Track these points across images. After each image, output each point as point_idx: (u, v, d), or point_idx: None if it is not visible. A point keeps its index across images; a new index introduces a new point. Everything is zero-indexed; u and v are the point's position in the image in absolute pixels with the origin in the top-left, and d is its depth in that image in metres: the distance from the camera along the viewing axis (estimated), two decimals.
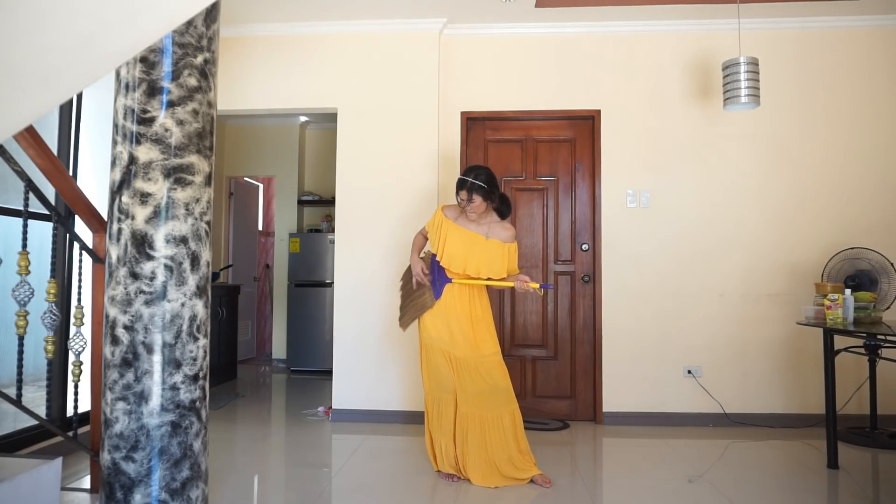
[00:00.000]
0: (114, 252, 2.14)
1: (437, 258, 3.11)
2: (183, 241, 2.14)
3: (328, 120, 6.34)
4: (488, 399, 3.01)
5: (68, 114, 3.63)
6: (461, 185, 3.11)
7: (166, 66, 2.13)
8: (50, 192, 2.97)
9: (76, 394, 2.81)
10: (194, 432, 2.16)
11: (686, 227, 4.34)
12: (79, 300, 2.76)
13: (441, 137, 4.45)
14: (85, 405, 3.09)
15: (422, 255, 3.27)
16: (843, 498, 2.97)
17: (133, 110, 2.12)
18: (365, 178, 4.39)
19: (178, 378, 2.11)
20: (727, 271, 4.31)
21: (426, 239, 3.26)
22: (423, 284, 3.14)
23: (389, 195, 4.35)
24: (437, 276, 3.12)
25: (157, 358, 2.09)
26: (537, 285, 3.02)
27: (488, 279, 3.08)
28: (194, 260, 2.17)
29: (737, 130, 4.35)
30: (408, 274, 3.27)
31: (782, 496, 2.92)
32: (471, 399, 3.01)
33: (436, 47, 4.41)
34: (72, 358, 2.77)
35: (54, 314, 2.53)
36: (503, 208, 3.21)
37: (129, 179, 2.12)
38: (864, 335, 3.23)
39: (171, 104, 2.13)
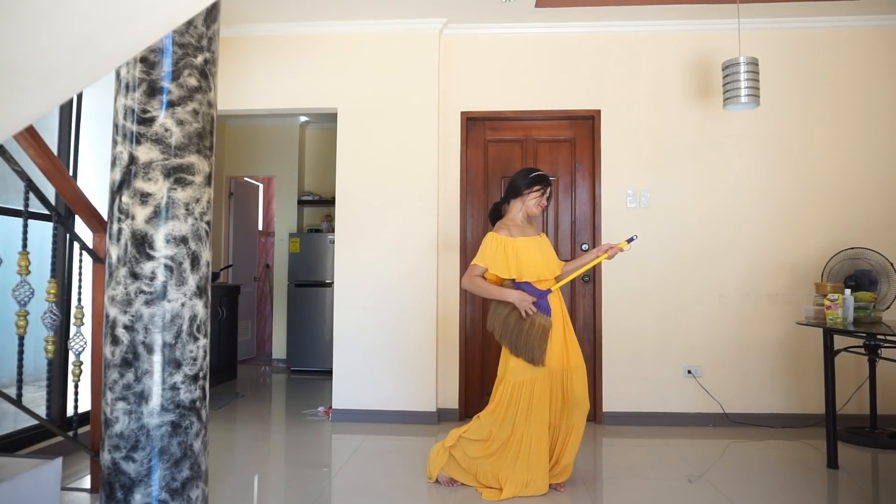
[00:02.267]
0: (114, 252, 2.14)
1: (518, 279, 2.90)
2: (183, 241, 2.14)
3: (328, 120, 6.34)
4: (564, 412, 2.93)
5: (68, 114, 3.64)
6: (541, 180, 3.01)
7: (166, 66, 2.12)
8: (50, 192, 2.97)
9: (76, 394, 2.81)
10: (194, 432, 2.16)
11: (686, 227, 4.34)
12: (79, 300, 2.76)
13: (441, 137, 4.45)
14: (85, 405, 3.09)
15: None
16: (843, 498, 2.97)
17: (133, 110, 2.12)
18: (365, 177, 4.39)
19: (178, 378, 2.11)
20: (727, 271, 4.31)
21: (484, 276, 2.97)
22: (524, 313, 2.86)
23: (389, 195, 4.36)
24: (531, 295, 2.88)
25: (157, 358, 2.09)
26: (625, 243, 2.95)
27: (576, 269, 3.03)
28: (194, 260, 2.17)
29: (737, 130, 4.35)
30: (500, 315, 2.92)
31: (782, 496, 2.92)
32: (554, 411, 2.91)
33: (436, 47, 4.41)
34: (72, 358, 2.77)
35: (54, 314, 2.53)
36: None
37: (129, 179, 2.12)
38: (864, 335, 3.23)
39: (171, 104, 2.13)
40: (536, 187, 3.01)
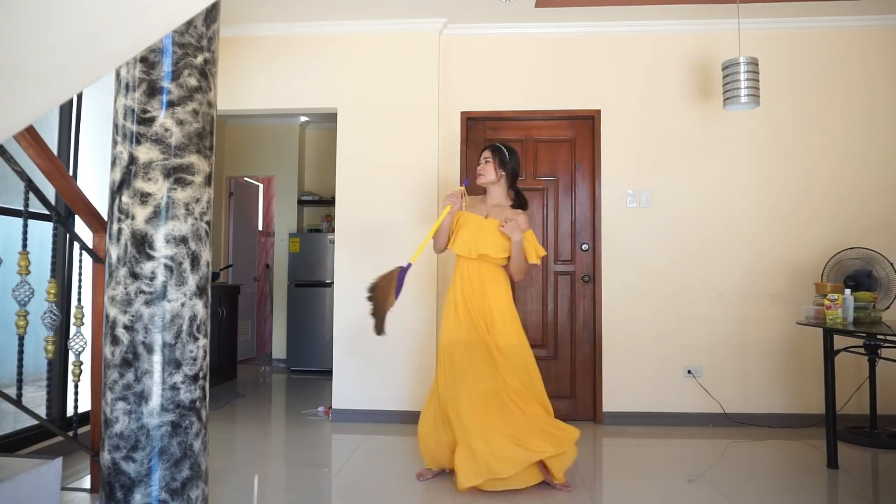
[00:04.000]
0: (114, 252, 2.14)
1: (450, 248, 3.12)
2: (183, 241, 2.14)
3: (328, 120, 6.34)
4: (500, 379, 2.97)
5: (68, 114, 3.63)
6: (484, 149, 3.20)
7: (166, 66, 2.12)
8: (50, 192, 2.97)
9: (76, 394, 2.81)
10: (194, 432, 2.16)
11: (686, 227, 4.34)
12: (79, 300, 2.76)
13: (441, 137, 4.45)
14: (85, 405, 3.09)
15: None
16: (843, 498, 2.97)
17: (133, 110, 2.12)
18: (365, 177, 4.39)
19: (178, 378, 2.11)
20: (727, 271, 4.31)
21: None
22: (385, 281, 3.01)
23: (389, 195, 4.35)
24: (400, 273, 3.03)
25: (157, 358, 2.09)
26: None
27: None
28: (194, 260, 2.17)
29: (737, 130, 4.35)
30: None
31: (782, 496, 2.92)
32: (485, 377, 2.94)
33: (436, 47, 4.41)
34: (72, 358, 2.77)
35: (54, 314, 2.53)
36: (520, 200, 3.20)
37: (129, 179, 2.12)
38: (864, 335, 3.23)
39: (171, 104, 2.13)
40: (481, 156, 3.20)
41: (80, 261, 2.84)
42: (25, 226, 2.47)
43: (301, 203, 6.94)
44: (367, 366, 4.31)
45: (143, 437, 2.07)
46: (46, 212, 2.67)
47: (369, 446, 3.70)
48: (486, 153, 3.14)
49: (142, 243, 2.10)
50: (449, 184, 4.45)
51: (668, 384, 4.29)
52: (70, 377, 2.94)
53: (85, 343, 2.72)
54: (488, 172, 3.11)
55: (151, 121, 2.11)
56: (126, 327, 2.09)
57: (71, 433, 2.87)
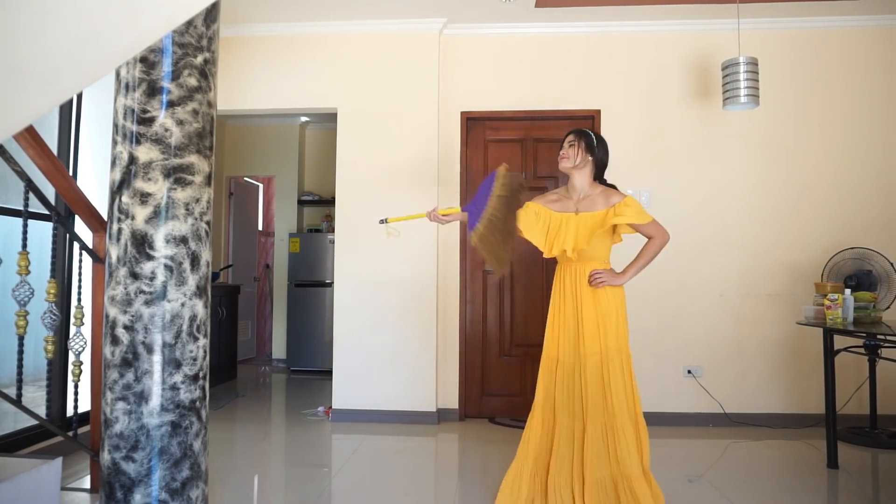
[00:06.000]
0: (114, 252, 2.14)
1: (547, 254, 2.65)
2: (183, 241, 2.14)
3: (328, 120, 6.34)
4: (579, 407, 2.63)
5: (68, 114, 3.63)
6: (568, 133, 2.74)
7: (166, 66, 2.12)
8: (50, 192, 2.97)
9: (76, 394, 2.81)
10: (194, 432, 2.16)
11: (686, 227, 4.34)
12: (79, 300, 2.76)
13: (441, 137, 4.44)
14: (85, 405, 3.09)
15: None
16: (843, 498, 2.97)
17: (133, 110, 2.12)
18: (365, 177, 4.39)
19: (178, 378, 2.11)
20: (727, 271, 4.31)
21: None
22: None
23: (389, 195, 4.35)
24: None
25: (157, 358, 2.09)
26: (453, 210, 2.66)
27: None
28: (194, 260, 2.17)
29: (736, 130, 4.35)
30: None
31: (782, 496, 2.92)
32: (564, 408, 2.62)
33: (436, 47, 4.41)
34: (72, 358, 2.77)
35: (54, 314, 2.53)
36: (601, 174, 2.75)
37: (129, 179, 2.12)
38: (864, 335, 3.23)
39: (171, 104, 2.13)
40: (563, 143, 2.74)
41: (80, 261, 2.84)
42: (25, 226, 2.47)
43: (301, 203, 6.94)
44: (367, 366, 4.30)
45: (143, 437, 2.07)
46: (46, 212, 2.67)
47: (369, 446, 3.71)
48: (570, 137, 2.70)
49: (142, 243, 2.10)
50: (449, 184, 4.45)
51: (667, 384, 4.29)
52: (70, 377, 2.94)
53: (85, 343, 2.72)
54: (571, 155, 2.66)
55: (151, 121, 2.11)
56: (126, 327, 2.09)
57: (71, 433, 2.87)
